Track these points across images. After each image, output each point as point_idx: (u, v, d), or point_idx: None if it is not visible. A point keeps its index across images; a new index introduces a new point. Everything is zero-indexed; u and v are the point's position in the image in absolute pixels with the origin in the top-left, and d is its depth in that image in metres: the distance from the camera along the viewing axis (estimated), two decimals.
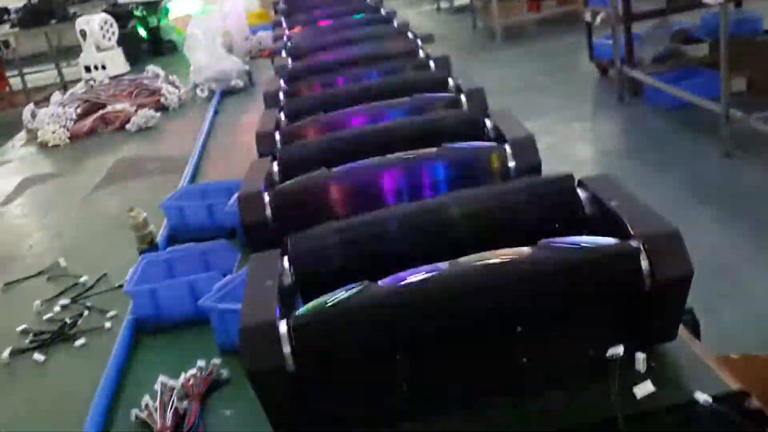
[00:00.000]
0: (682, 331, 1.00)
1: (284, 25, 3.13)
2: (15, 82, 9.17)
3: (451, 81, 1.81)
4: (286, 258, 1.07)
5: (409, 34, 2.39)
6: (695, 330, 1.44)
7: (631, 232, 0.92)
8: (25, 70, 8.69)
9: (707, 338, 2.80)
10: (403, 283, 0.90)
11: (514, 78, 7.18)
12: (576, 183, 1.07)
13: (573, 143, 5.26)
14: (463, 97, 1.66)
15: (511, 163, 1.30)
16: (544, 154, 1.31)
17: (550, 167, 1.29)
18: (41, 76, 9.42)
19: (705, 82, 5.20)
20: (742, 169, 4.37)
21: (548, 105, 6.11)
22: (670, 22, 6.06)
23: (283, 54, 2.53)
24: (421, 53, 2.16)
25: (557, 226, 1.04)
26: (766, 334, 2.89)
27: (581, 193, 1.05)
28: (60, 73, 8.76)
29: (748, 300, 3.16)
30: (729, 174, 4.36)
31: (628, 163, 4.91)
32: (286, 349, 0.89)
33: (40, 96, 8.21)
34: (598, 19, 6.12)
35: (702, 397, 0.85)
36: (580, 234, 1.02)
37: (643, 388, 0.85)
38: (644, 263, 0.89)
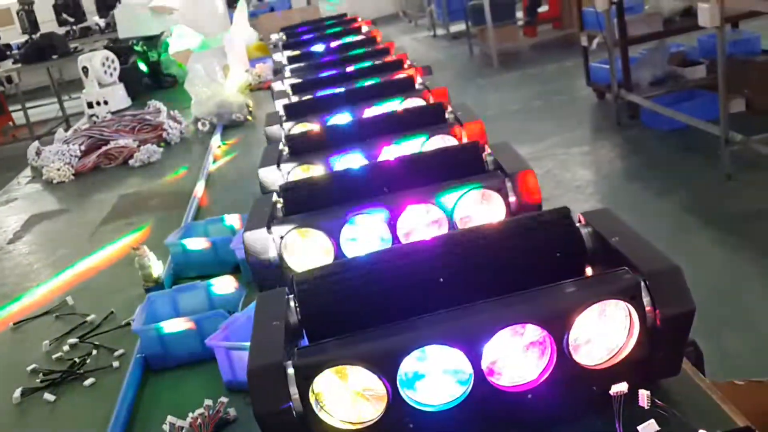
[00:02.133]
0: (686, 364, 1.01)
1: (283, 58, 3.17)
2: (18, 116, 9.23)
3: (448, 114, 1.83)
4: (291, 297, 1.08)
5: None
6: (699, 361, 1.44)
7: (634, 269, 0.93)
8: (28, 104, 8.75)
9: (711, 364, 2.81)
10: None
11: (512, 103, 7.23)
12: (577, 219, 1.08)
13: (572, 167, 5.28)
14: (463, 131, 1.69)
15: (512, 198, 1.33)
16: (543, 178, 1.34)
17: (549, 192, 1.31)
18: (44, 110, 9.50)
19: (703, 104, 5.23)
20: (743, 192, 4.38)
21: (546, 130, 6.14)
22: (667, 45, 6.10)
23: (283, 86, 2.56)
24: (419, 85, 2.18)
25: (560, 263, 1.05)
26: None
27: (582, 230, 1.06)
28: (62, 107, 8.83)
29: (751, 324, 3.16)
30: (730, 196, 4.37)
31: (628, 186, 4.93)
32: (294, 390, 0.90)
33: (43, 130, 8.30)
34: (594, 43, 6.17)
35: None
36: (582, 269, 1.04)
37: (648, 427, 0.86)
38: (646, 300, 0.90)
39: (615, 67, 5.78)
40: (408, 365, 0.92)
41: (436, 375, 0.93)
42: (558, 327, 0.91)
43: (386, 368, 0.91)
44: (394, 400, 0.91)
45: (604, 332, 0.94)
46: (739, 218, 4.08)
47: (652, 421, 0.86)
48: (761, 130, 4.43)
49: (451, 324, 0.93)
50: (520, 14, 9.74)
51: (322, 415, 0.92)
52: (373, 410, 0.93)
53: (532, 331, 0.92)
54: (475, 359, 0.91)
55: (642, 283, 0.91)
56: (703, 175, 4.70)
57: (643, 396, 0.91)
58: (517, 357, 0.94)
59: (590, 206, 4.43)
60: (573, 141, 5.83)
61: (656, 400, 0.90)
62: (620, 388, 0.87)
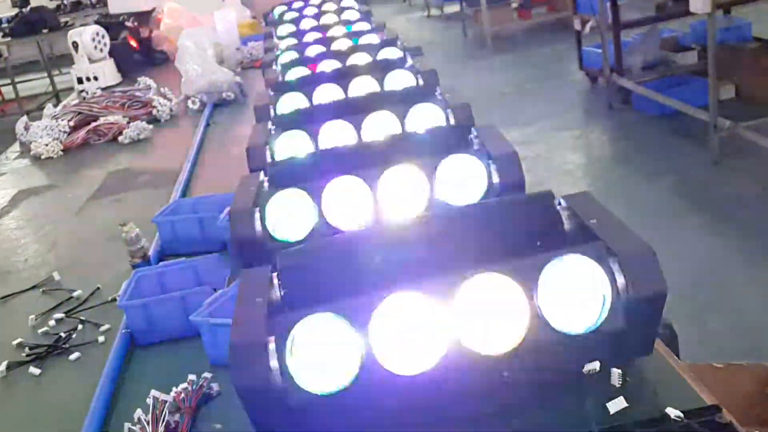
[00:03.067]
0: (660, 345, 1.04)
1: (275, 36, 3.17)
2: (7, 91, 9.17)
3: (438, 95, 1.83)
4: (275, 275, 1.09)
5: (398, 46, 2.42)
6: (673, 343, 1.47)
7: (609, 250, 0.95)
8: (17, 79, 8.69)
9: (693, 346, 2.85)
10: None
11: (505, 85, 7.23)
12: (557, 201, 1.10)
13: (563, 151, 5.30)
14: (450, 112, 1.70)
15: (496, 179, 1.34)
16: (534, 161, 1.36)
17: (540, 175, 1.33)
18: (33, 84, 9.43)
19: (694, 90, 5.24)
20: (730, 177, 4.41)
21: (538, 113, 6.15)
22: (659, 30, 6.11)
23: (274, 66, 2.56)
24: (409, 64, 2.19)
25: (539, 243, 1.06)
26: (751, 342, 2.92)
27: (562, 212, 1.08)
28: (52, 82, 8.77)
29: (735, 307, 3.19)
30: (717, 181, 4.40)
31: (617, 170, 4.96)
32: (274, 364, 0.92)
33: (33, 105, 8.25)
34: (588, 27, 6.16)
35: (673, 412, 0.88)
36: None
37: (617, 404, 0.88)
38: (620, 280, 0.92)
39: (607, 51, 5.78)
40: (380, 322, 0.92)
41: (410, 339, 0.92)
42: (527, 278, 0.92)
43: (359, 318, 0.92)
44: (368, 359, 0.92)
45: (575, 299, 0.94)
46: (725, 203, 4.12)
47: (621, 398, 0.89)
48: (750, 116, 4.46)
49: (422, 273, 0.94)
50: None
51: (297, 377, 0.93)
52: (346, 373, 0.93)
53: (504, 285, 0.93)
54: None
55: (617, 264, 0.93)
56: (692, 160, 4.73)
57: (615, 374, 0.93)
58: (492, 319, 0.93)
59: (579, 189, 4.41)
60: (564, 124, 5.84)
61: (627, 378, 0.92)
62: (592, 366, 0.89)
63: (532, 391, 0.95)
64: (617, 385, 0.93)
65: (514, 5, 9.59)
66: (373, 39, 2.62)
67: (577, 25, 6.28)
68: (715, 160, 4.53)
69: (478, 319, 0.92)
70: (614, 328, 0.92)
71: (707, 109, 4.52)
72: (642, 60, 5.86)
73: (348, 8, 3.42)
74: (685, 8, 4.42)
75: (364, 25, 2.96)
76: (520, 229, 1.09)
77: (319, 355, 0.92)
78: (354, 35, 2.75)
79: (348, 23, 3.03)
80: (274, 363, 0.93)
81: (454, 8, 10.49)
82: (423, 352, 0.92)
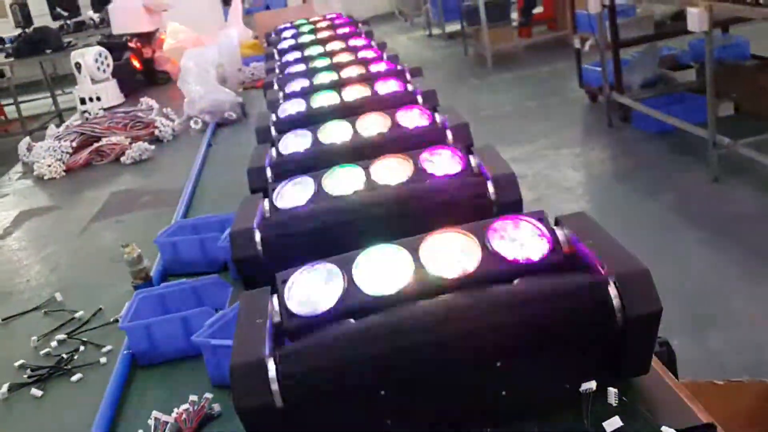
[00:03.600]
0: (657, 363, 1.05)
1: (276, 57, 3.20)
2: (10, 111, 9.23)
3: (438, 116, 1.85)
4: (275, 296, 1.10)
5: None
6: (671, 361, 1.48)
7: (604, 270, 0.96)
8: (21, 99, 8.74)
9: (695, 364, 2.86)
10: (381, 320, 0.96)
11: (505, 103, 7.27)
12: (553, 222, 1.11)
13: (563, 168, 5.32)
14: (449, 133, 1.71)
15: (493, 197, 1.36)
16: (534, 179, 1.37)
17: (540, 193, 1.34)
18: (36, 104, 9.48)
19: (693, 107, 5.28)
20: (730, 194, 4.43)
21: (538, 130, 6.18)
22: (658, 48, 6.15)
23: (275, 87, 2.58)
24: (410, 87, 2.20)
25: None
26: (751, 359, 2.92)
27: (558, 231, 1.09)
28: (55, 102, 8.82)
29: (735, 324, 3.20)
30: (717, 198, 4.42)
31: (617, 187, 4.98)
32: (275, 386, 0.93)
33: (36, 124, 8.30)
34: (587, 45, 6.21)
35: (668, 431, 0.89)
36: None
37: (612, 423, 0.89)
38: (615, 301, 0.94)
39: (607, 69, 5.82)
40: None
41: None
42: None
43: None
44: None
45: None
46: (724, 220, 4.13)
47: (617, 417, 0.90)
48: (748, 133, 4.49)
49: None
50: (515, 15, 9.78)
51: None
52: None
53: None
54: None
55: (612, 284, 0.94)
56: (691, 177, 4.75)
57: (612, 393, 0.94)
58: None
59: (579, 207, 4.47)
60: (564, 142, 5.88)
61: (624, 398, 0.93)
62: (589, 385, 0.90)
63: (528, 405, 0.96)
64: (614, 404, 0.94)
65: (515, 24, 9.66)
66: (378, 65, 2.64)
67: (577, 44, 6.33)
68: (715, 177, 4.55)
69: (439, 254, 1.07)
70: (611, 354, 0.94)
71: (706, 127, 4.55)
72: (641, 78, 5.90)
73: (350, 30, 3.45)
74: (684, 26, 4.47)
75: (364, 46, 2.98)
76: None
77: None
78: (356, 58, 2.76)
79: (351, 47, 3.04)
80: (274, 385, 0.94)
81: (455, 27, 10.56)
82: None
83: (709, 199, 4.42)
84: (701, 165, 4.71)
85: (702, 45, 4.91)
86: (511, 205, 1.35)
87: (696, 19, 4.13)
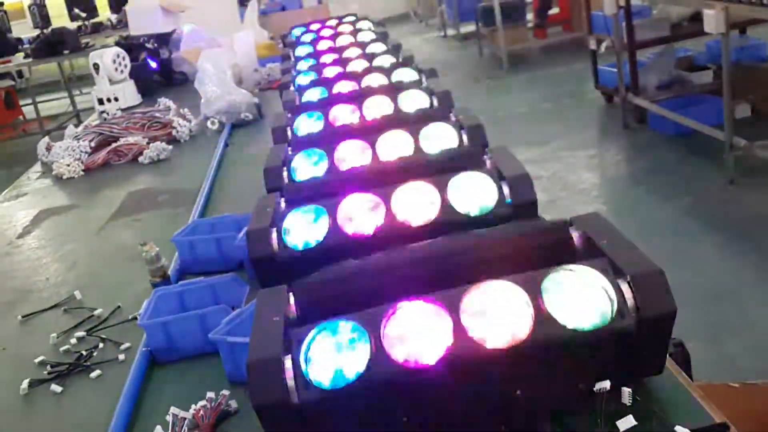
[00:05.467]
0: (670, 363, 1.05)
1: (292, 57, 3.22)
2: (29, 111, 9.31)
3: (452, 116, 1.86)
4: (291, 294, 1.12)
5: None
6: (686, 361, 1.48)
7: (619, 271, 0.97)
8: (39, 99, 8.82)
9: (711, 366, 2.85)
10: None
11: (521, 105, 7.26)
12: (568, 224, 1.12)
13: (578, 170, 5.31)
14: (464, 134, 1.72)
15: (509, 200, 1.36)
16: (549, 181, 1.38)
17: (555, 194, 1.35)
18: (54, 104, 9.56)
19: (709, 109, 5.25)
20: (746, 196, 4.41)
21: (554, 132, 6.17)
22: (675, 49, 6.12)
23: (291, 87, 2.60)
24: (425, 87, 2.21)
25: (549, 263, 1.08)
26: (766, 363, 2.91)
27: (573, 232, 1.10)
28: (73, 102, 8.90)
29: (751, 327, 3.19)
30: (733, 201, 4.40)
31: (633, 189, 4.96)
32: (291, 383, 0.94)
33: (54, 125, 8.38)
34: (603, 46, 6.19)
35: (683, 430, 0.89)
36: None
37: (626, 422, 0.90)
38: (630, 301, 0.94)
39: (623, 70, 5.81)
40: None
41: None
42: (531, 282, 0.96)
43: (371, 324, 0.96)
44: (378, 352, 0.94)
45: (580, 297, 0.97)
46: (741, 223, 4.11)
47: (630, 416, 0.90)
48: (765, 135, 4.46)
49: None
50: (530, 16, 9.76)
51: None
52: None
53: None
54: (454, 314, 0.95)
55: (626, 284, 0.95)
56: (708, 179, 4.73)
57: (626, 393, 0.95)
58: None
59: (594, 209, 4.45)
60: (580, 144, 5.86)
61: (637, 398, 0.94)
62: (603, 385, 0.91)
63: (543, 407, 0.97)
64: (628, 404, 0.95)
65: (530, 25, 9.64)
66: (389, 60, 2.65)
67: (593, 45, 6.32)
68: (731, 179, 4.52)
69: (484, 316, 0.95)
70: (622, 328, 0.94)
71: (723, 128, 4.52)
72: (657, 79, 5.88)
73: (365, 29, 3.47)
74: (700, 28, 4.45)
75: (379, 46, 3.00)
76: (531, 251, 1.11)
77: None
78: (370, 57, 2.78)
79: (364, 45, 3.06)
80: (291, 382, 0.95)
81: (470, 28, 10.56)
82: (429, 346, 0.94)
83: (725, 202, 4.40)
84: (717, 167, 4.69)
85: (719, 46, 4.89)
86: (526, 206, 1.36)
87: (713, 20, 4.11)
